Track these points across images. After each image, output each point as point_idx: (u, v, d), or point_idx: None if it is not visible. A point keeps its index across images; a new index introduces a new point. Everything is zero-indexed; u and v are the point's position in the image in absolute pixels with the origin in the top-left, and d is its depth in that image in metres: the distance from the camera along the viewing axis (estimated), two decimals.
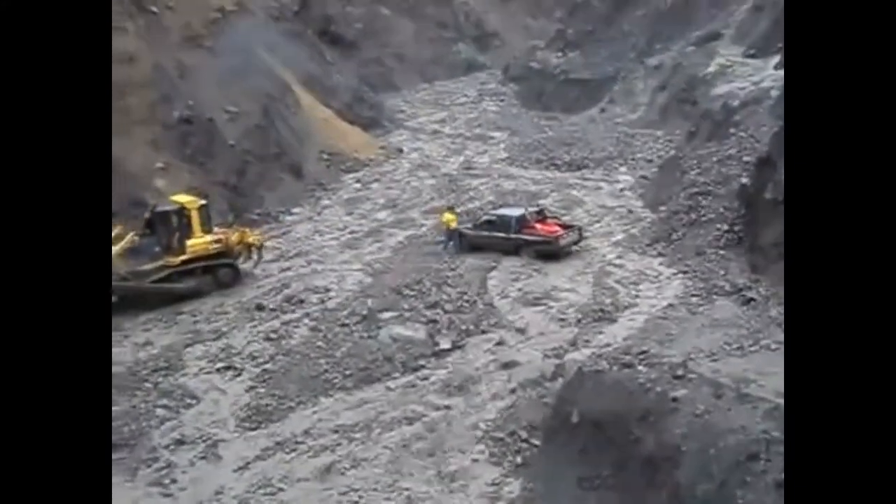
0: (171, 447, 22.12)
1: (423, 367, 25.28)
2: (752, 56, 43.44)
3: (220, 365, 25.91)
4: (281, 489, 20.35)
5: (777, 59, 39.33)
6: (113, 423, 22.59)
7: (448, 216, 33.67)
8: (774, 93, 34.38)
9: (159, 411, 23.57)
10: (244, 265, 32.26)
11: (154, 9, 40.19)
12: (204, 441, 22.34)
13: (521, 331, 26.85)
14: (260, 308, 29.33)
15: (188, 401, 24.14)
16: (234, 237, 31.83)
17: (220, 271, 31.25)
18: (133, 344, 27.36)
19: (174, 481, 20.89)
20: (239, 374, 25.41)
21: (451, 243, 33.21)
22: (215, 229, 31.81)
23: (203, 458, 21.74)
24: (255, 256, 32.35)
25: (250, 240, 32.21)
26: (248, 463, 21.40)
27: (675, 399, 18.05)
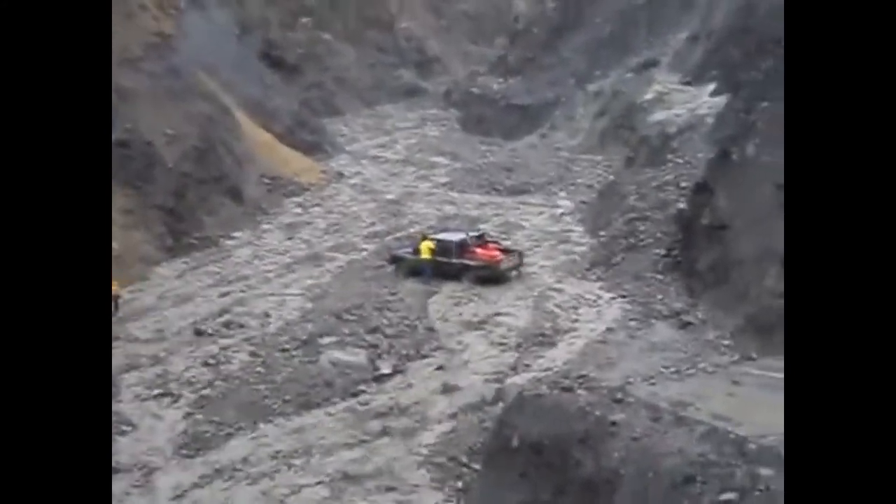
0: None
1: (363, 392, 25.16)
2: (688, 84, 44.26)
3: (156, 391, 25.50)
4: None
5: (711, 87, 40.08)
6: None
7: (426, 244, 33.30)
8: (709, 120, 35.06)
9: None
10: None
11: None
12: (139, 469, 21.94)
13: (461, 355, 26.86)
14: (198, 333, 28.97)
15: (123, 428, 23.71)
16: None
17: None
18: None
19: None
20: (176, 401, 25.04)
21: (429, 272, 32.73)
22: None
23: (138, 485, 21.35)
24: (112, 307, 29.94)
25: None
26: (185, 491, 21.06)
27: (613, 423, 18.16)
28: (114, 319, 29.79)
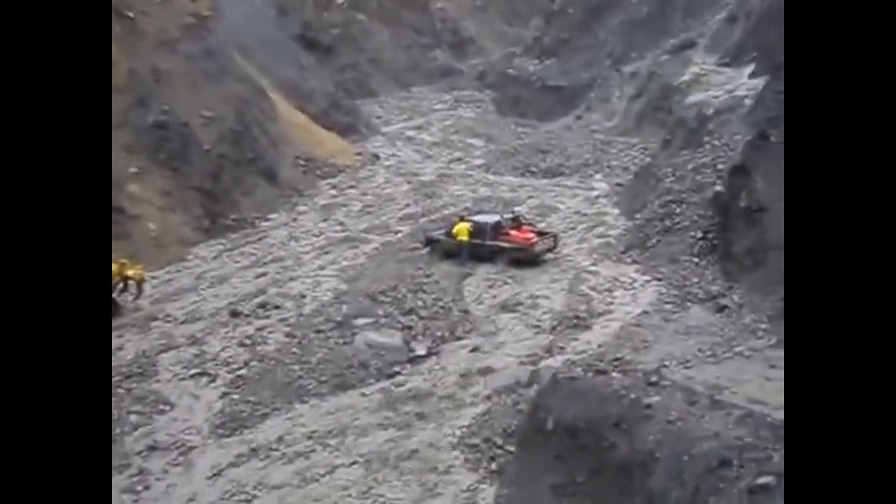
0: (144, 454, 21.97)
1: (398, 373, 25.28)
2: (726, 65, 43.74)
3: (193, 371, 25.75)
4: (255, 496, 20.27)
5: (750, 68, 39.63)
6: None
7: (461, 226, 33.16)
8: (748, 101, 34.62)
9: (132, 417, 23.39)
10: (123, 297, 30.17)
11: (130, 13, 39.94)
12: (177, 448, 22.21)
13: (495, 337, 26.89)
14: (235, 314, 29.19)
15: (161, 407, 23.99)
16: (114, 269, 29.01)
17: None
18: None
19: (147, 488, 20.75)
20: (213, 381, 25.28)
21: (465, 255, 32.78)
22: None
23: (176, 464, 21.61)
24: (134, 290, 30.21)
25: (130, 273, 30.00)
26: (222, 470, 21.30)
27: (648, 406, 18.13)
28: (139, 302, 30.13)
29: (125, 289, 30.12)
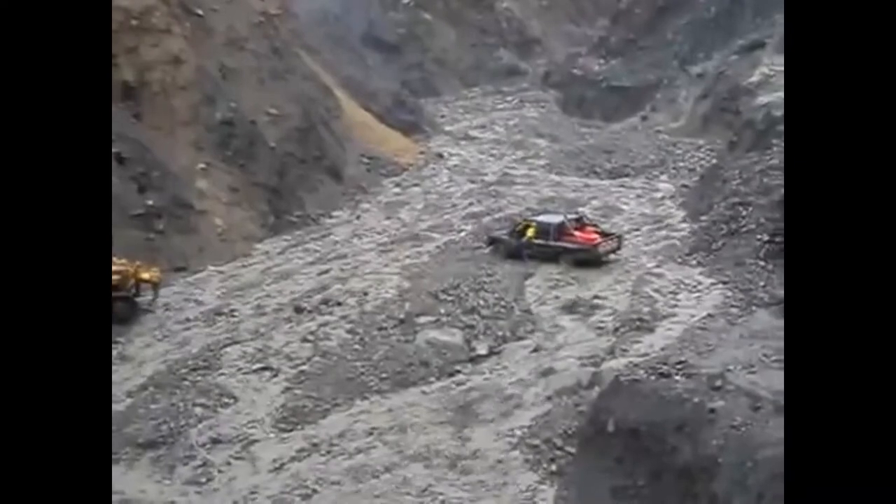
0: (208, 446, 22.28)
1: (458, 372, 25.31)
2: None
3: (257, 365, 26.05)
4: (315, 490, 20.43)
5: None
6: (152, 421, 22.87)
7: (527, 227, 33.18)
8: None
9: (197, 410, 23.74)
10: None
11: (199, 11, 40.55)
12: (240, 441, 22.49)
13: (557, 338, 26.78)
14: (298, 310, 29.46)
15: (225, 400, 24.31)
16: (129, 271, 29.22)
17: (115, 304, 26.90)
18: (173, 343, 27.61)
19: (210, 480, 21.05)
20: (276, 375, 25.55)
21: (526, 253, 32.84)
22: (114, 261, 28.15)
23: (239, 457, 21.88)
24: (150, 293, 30.10)
25: (145, 276, 29.75)
26: (283, 464, 21.51)
27: (712, 410, 17.91)
28: (205, 297, 30.49)
29: (137, 293, 29.81)
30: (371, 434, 22.49)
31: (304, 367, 25.79)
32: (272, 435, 22.76)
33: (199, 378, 25.36)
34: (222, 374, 25.69)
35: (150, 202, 33.55)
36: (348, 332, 27.67)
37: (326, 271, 33.13)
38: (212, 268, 33.49)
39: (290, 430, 22.92)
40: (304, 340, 27.40)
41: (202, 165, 36.85)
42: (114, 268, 27.82)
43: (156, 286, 30.09)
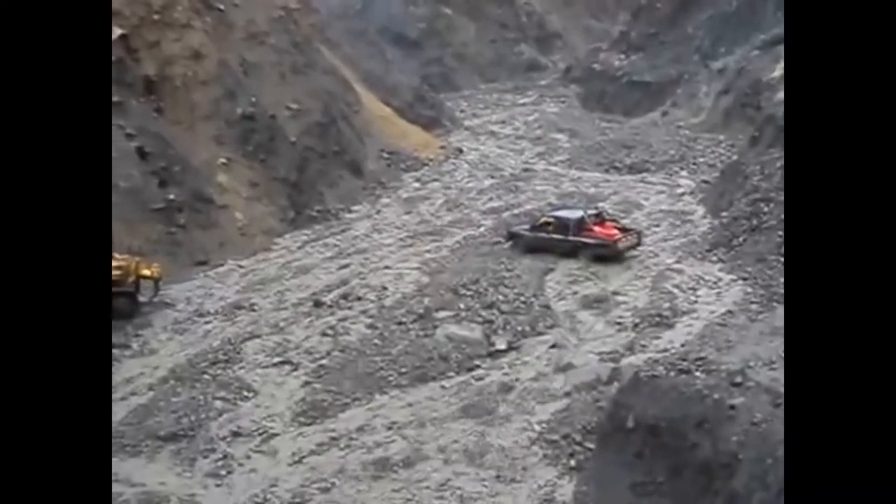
0: (228, 439, 22.39)
1: (478, 367, 25.31)
2: None
3: (276, 359, 26.14)
4: (334, 484, 20.49)
5: None
6: (173, 414, 23.00)
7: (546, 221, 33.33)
8: None
9: (217, 403, 23.85)
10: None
11: (221, 6, 40.70)
12: (259, 434, 22.58)
13: (576, 334, 26.76)
14: (318, 304, 29.55)
15: (245, 393, 24.41)
16: (129, 267, 29.01)
17: (116, 300, 26.57)
18: (193, 336, 27.75)
19: (230, 473, 21.14)
20: (295, 369, 25.64)
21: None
22: (116, 256, 28.23)
23: (259, 451, 21.97)
24: (151, 288, 29.90)
25: (145, 271, 29.51)
26: (303, 457, 21.59)
27: (732, 406, 17.82)
28: (225, 292, 30.59)
29: (138, 289, 29.54)
30: (390, 428, 22.52)
31: (323, 362, 25.85)
32: (292, 429, 22.84)
33: (219, 372, 25.47)
34: (242, 367, 25.80)
35: (172, 196, 33.74)
36: (368, 326, 27.72)
37: (346, 266, 33.22)
38: (232, 262, 33.61)
39: (310, 424, 22.98)
40: (324, 335, 27.47)
41: (223, 160, 37.01)
42: (114, 263, 27.79)
43: (157, 282, 29.98)
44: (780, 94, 39.93)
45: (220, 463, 21.48)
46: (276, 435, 22.56)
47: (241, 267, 33.34)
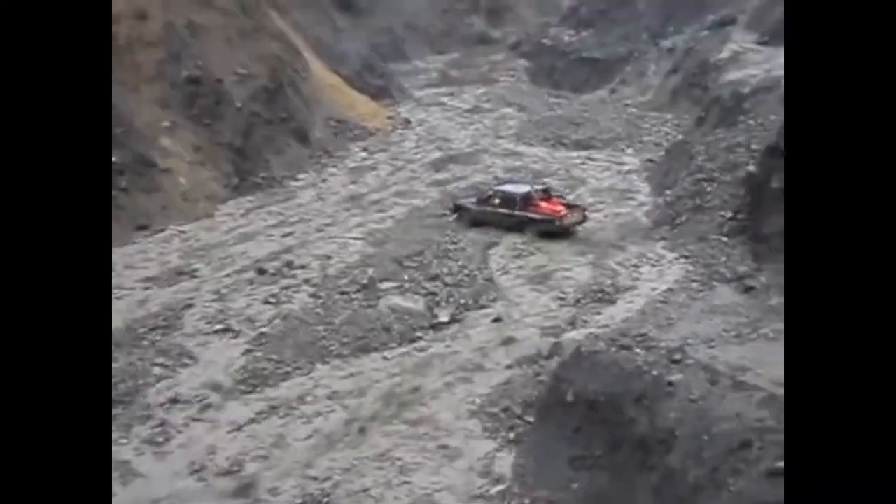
0: (166, 406, 22.16)
1: (420, 338, 25.32)
2: (765, 43, 43.20)
3: (217, 327, 25.90)
4: (272, 453, 20.40)
5: None
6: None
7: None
8: None
9: (156, 370, 23.58)
10: None
11: None
12: (198, 402, 22.38)
13: (519, 307, 26.87)
14: (260, 272, 29.30)
15: (185, 360, 24.17)
16: None
17: None
18: (132, 301, 27.38)
19: (167, 440, 20.94)
20: (236, 337, 25.43)
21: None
22: None
23: (197, 419, 21.79)
24: None
25: None
26: (242, 426, 21.45)
27: (670, 383, 18.05)
28: (167, 256, 30.16)
29: None
30: (331, 398, 22.46)
31: (265, 330, 25.68)
32: (231, 397, 22.67)
33: (158, 338, 25.18)
34: (182, 334, 25.52)
35: (114, 159, 33.12)
36: (311, 295, 27.58)
37: (290, 234, 32.98)
38: (174, 227, 33.18)
39: (250, 393, 22.83)
40: (266, 303, 27.28)
41: (167, 123, 36.45)
42: None
43: None
44: (727, 76, 40.28)
45: (157, 430, 21.26)
46: (214, 403, 22.37)
47: (182, 232, 32.91)
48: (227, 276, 29.33)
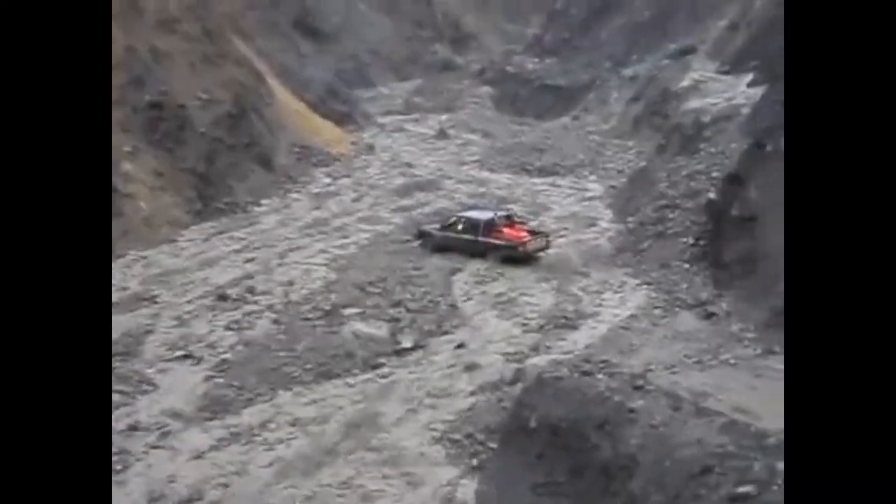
0: (126, 433, 21.87)
1: (383, 364, 25.23)
2: (726, 73, 43.85)
3: (178, 353, 25.65)
4: (235, 481, 20.18)
5: (749, 77, 39.68)
6: None
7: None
8: (745, 110, 34.70)
9: (115, 397, 23.27)
10: None
11: None
12: (158, 429, 22.11)
13: (482, 333, 26.87)
14: (222, 298, 29.10)
15: (144, 387, 23.89)
16: None
17: None
18: None
19: (126, 468, 20.66)
20: (198, 363, 25.20)
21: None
22: None
23: (157, 446, 21.52)
24: None
25: None
26: (203, 453, 21.21)
27: (632, 410, 18.11)
28: (127, 283, 29.88)
29: None
30: (293, 425, 22.30)
31: (227, 356, 25.48)
32: (192, 424, 22.43)
33: (118, 364, 24.85)
34: (142, 360, 25.25)
35: None
36: (273, 321, 27.43)
37: (253, 260, 32.81)
38: (135, 252, 32.90)
39: (211, 419, 22.61)
40: (228, 329, 27.09)
41: (128, 148, 36.18)
42: None
43: None
44: (688, 104, 40.78)
45: (115, 457, 20.96)
46: (175, 430, 22.12)
47: (144, 258, 32.63)
48: (189, 301, 29.09)
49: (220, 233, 35.67)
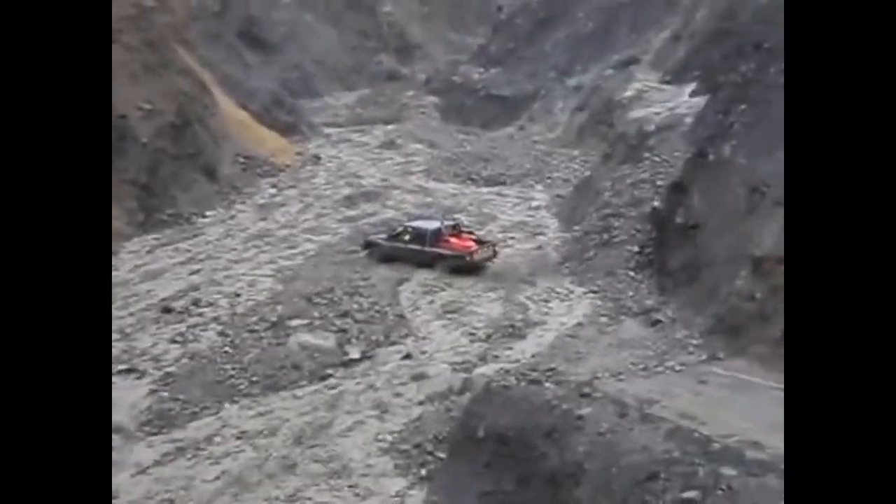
0: None
1: (331, 375, 25.10)
2: (668, 83, 44.34)
3: (122, 367, 25.28)
4: (180, 495, 19.93)
5: (691, 87, 40.18)
6: None
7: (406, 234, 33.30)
8: (688, 119, 35.11)
9: None
10: None
11: None
12: None
13: (430, 343, 26.85)
14: (167, 311, 28.75)
15: None
16: None
17: None
18: None
19: None
20: (141, 377, 24.86)
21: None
22: None
23: None
24: None
25: None
26: (147, 468, 20.93)
27: (580, 417, 18.24)
28: None
29: None
30: (240, 438, 22.09)
31: (171, 369, 25.18)
32: (136, 438, 22.11)
33: None
34: None
35: None
36: (219, 333, 27.18)
37: (197, 271, 32.48)
38: None
39: (156, 434, 22.32)
40: (173, 342, 26.78)
41: None
42: None
43: None
44: (632, 113, 41.17)
45: None
46: (119, 445, 21.78)
47: None
48: (132, 314, 28.70)
49: (164, 244, 35.26)
